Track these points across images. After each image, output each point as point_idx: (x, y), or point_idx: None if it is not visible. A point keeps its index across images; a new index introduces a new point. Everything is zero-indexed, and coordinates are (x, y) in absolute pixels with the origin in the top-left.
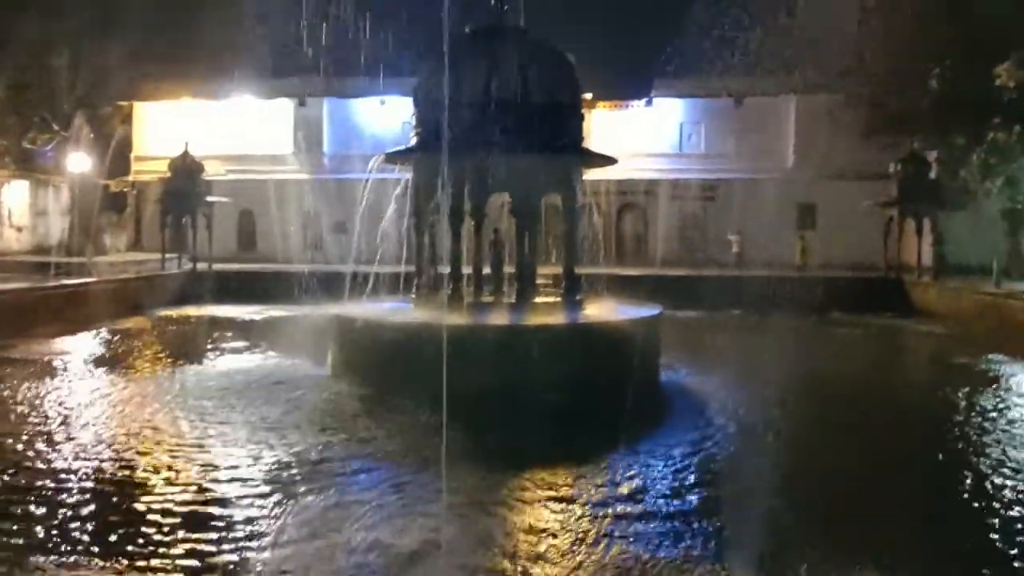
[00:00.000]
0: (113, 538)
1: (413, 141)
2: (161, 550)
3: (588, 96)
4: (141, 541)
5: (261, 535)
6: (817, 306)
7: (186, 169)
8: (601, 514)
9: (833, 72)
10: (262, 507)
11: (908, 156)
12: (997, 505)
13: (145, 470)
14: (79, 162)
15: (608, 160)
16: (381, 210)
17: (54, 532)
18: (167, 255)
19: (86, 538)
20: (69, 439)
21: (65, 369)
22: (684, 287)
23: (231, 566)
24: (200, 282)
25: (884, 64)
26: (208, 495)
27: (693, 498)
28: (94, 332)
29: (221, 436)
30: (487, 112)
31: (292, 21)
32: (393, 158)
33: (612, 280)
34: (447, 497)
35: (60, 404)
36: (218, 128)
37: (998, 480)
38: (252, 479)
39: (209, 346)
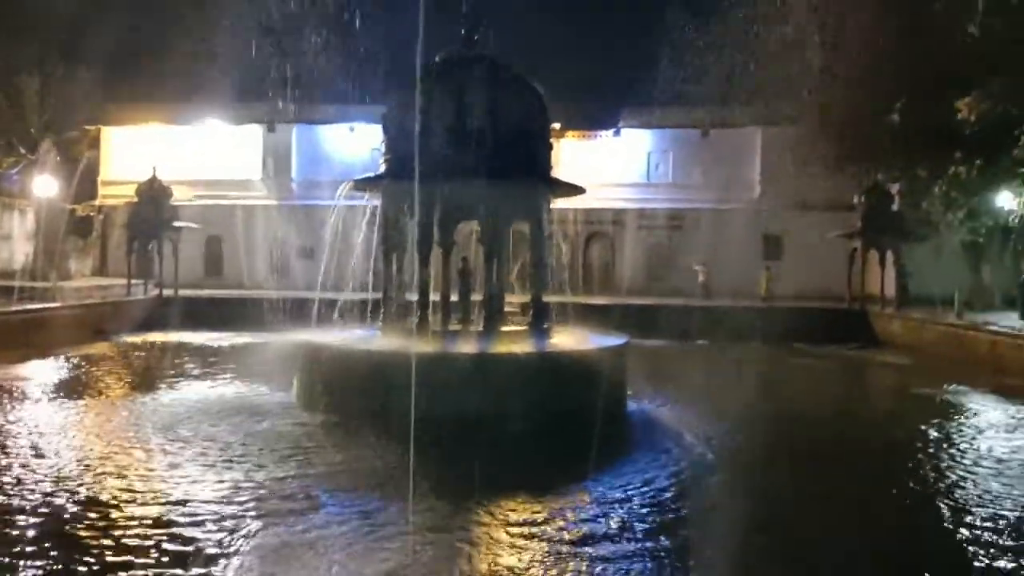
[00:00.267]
0: (60, 570)
1: (382, 168)
2: None
3: (557, 126)
4: None
5: (221, 568)
6: (782, 337)
7: (153, 194)
8: (567, 549)
9: (799, 104)
10: (222, 538)
11: (872, 188)
12: (950, 533)
13: (99, 502)
14: (45, 186)
15: (576, 189)
16: (349, 237)
17: None
18: (133, 281)
19: (31, 572)
20: (23, 467)
21: (24, 395)
22: (651, 316)
23: None
24: (166, 308)
25: (848, 97)
26: (167, 527)
27: (657, 528)
28: (57, 358)
29: (182, 465)
30: (456, 140)
31: (262, 47)
32: (362, 185)
33: (579, 309)
34: (413, 527)
35: (14, 432)
36: (187, 153)
37: (959, 510)
38: (213, 509)
39: (173, 373)
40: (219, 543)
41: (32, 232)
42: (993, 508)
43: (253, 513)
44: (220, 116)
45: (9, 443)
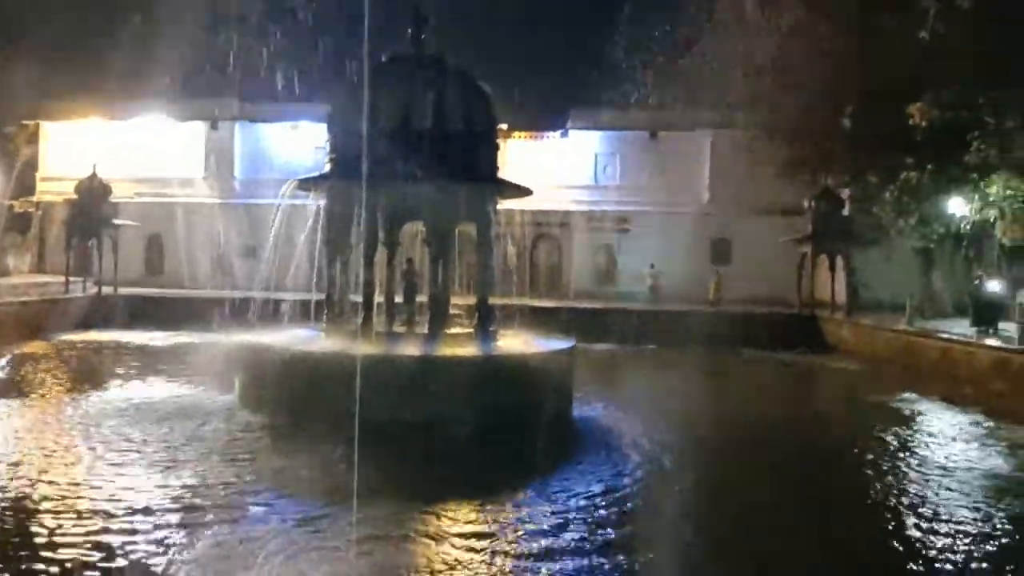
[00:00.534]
0: None
1: (326, 167)
2: None
3: (504, 126)
4: None
5: (160, 573)
6: (731, 341)
7: (93, 191)
8: (511, 550)
9: (748, 108)
10: (161, 542)
11: (821, 193)
12: (900, 538)
13: (34, 502)
14: None
15: (523, 190)
16: (293, 237)
17: None
18: (71, 278)
19: None
20: None
21: None
22: (598, 320)
23: None
24: (105, 306)
25: (799, 101)
26: (105, 530)
27: (602, 533)
28: None
29: (120, 467)
30: (401, 139)
31: (206, 43)
32: (306, 184)
33: (526, 312)
34: (357, 532)
35: None
36: (128, 149)
37: (905, 514)
38: (152, 513)
39: (112, 373)
40: (154, 553)
41: None
42: (936, 517)
43: (191, 520)
44: (162, 112)
45: None
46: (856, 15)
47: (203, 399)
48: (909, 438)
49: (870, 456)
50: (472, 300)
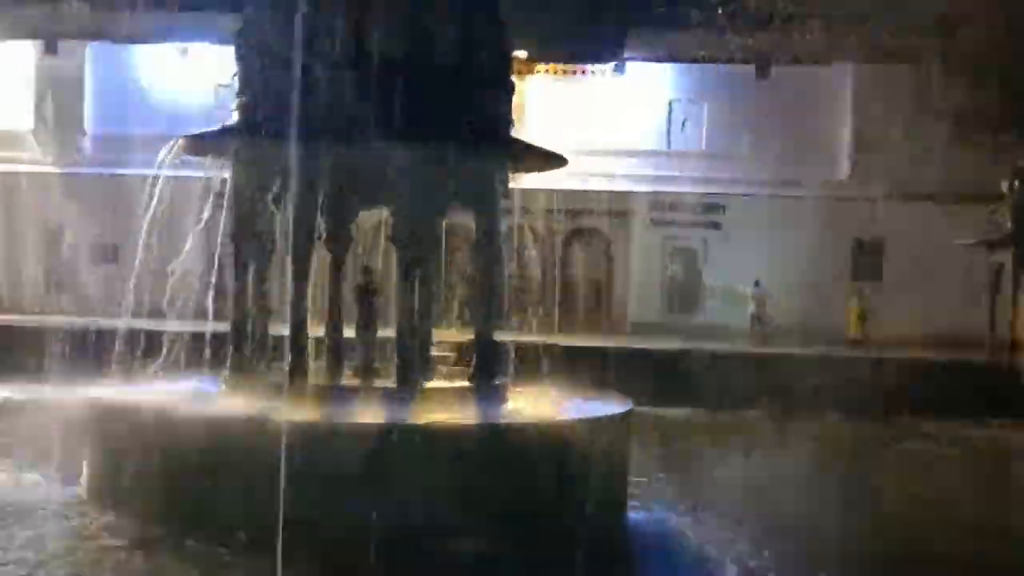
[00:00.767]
0: None
1: (235, 119)
2: None
3: (522, 55)
4: None
5: None
6: (882, 406)
7: None
8: None
9: (918, 30)
10: None
11: None
12: None
13: None
14: None
15: (551, 159)
16: (178, 229)
17: None
18: None
19: None
20: None
21: None
22: (669, 369)
23: None
24: None
25: (995, 24)
26: None
27: None
28: None
29: None
30: (356, 77)
31: None
32: (200, 145)
33: (554, 354)
34: None
35: None
36: None
37: None
38: None
39: None
40: None
41: None
42: None
43: None
44: None
45: None
46: None
47: (32, 491)
48: None
49: None
50: (468, 335)
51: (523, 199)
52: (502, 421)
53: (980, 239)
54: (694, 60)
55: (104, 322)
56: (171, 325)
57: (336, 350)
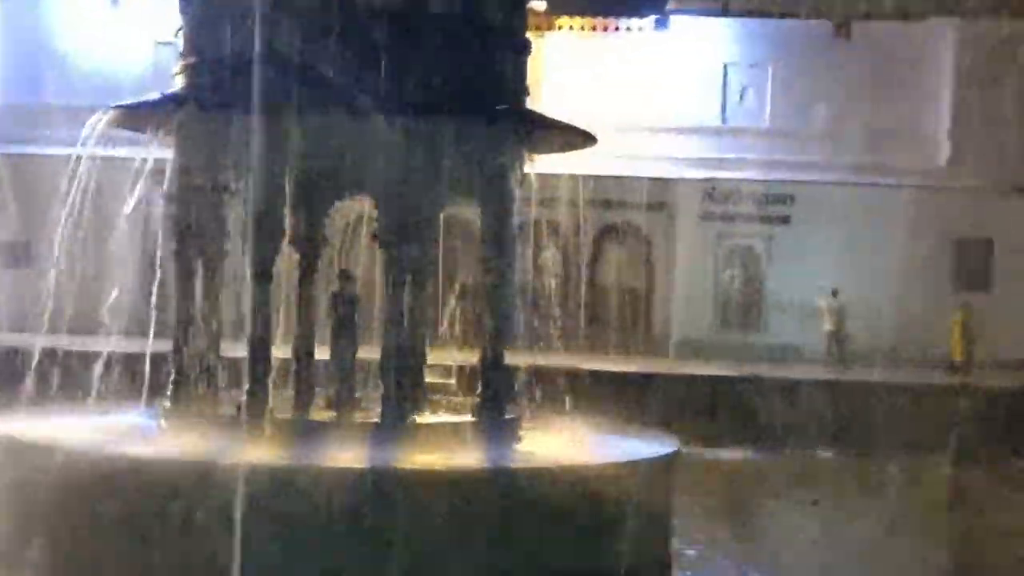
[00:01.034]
0: None
1: (179, 85)
2: None
3: (541, 7)
4: None
5: None
6: (992, 445)
7: None
8: None
9: None
10: None
11: None
12: None
13: None
14: None
15: (577, 138)
16: (106, 222)
17: None
18: None
19: None
20: None
21: None
22: (725, 399)
23: None
24: None
25: None
26: None
27: None
28: None
29: None
30: (334, 32)
31: None
32: (135, 118)
33: (581, 380)
34: None
35: None
36: None
37: None
38: None
39: None
40: None
41: None
42: None
43: None
44: None
45: None
46: None
47: None
48: None
49: None
50: (472, 356)
51: (541, 187)
52: (513, 465)
53: None
54: (755, 13)
55: (12, 339)
56: (99, 343)
57: (305, 375)
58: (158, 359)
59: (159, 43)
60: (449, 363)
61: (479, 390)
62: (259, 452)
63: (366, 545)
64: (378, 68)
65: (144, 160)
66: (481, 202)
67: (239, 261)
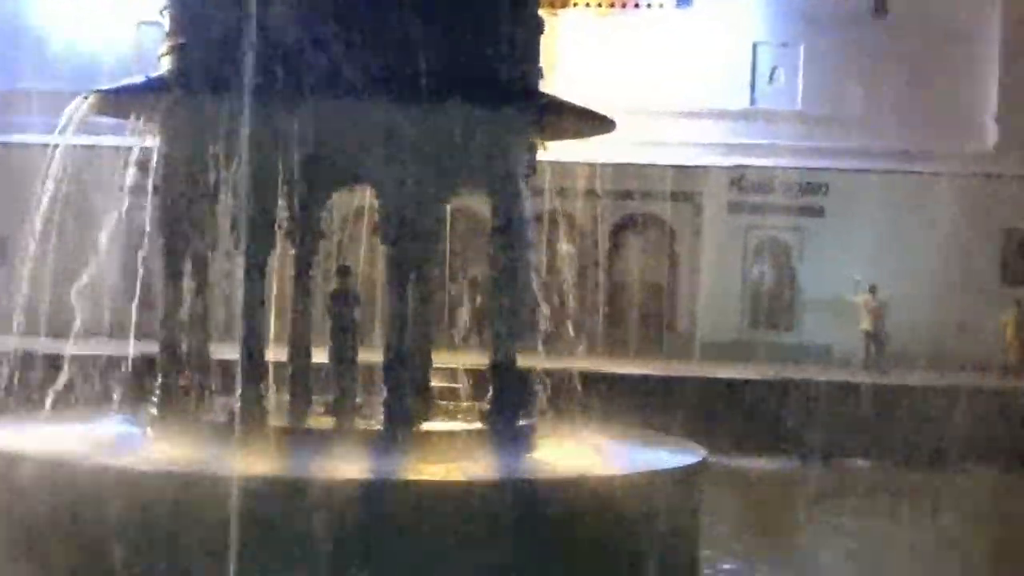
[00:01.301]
0: None
1: (165, 68)
2: None
3: None
4: None
5: None
6: None
7: None
8: None
9: None
10: None
11: None
12: None
13: None
14: None
15: (595, 123)
16: (88, 216)
17: None
18: None
19: None
20: None
21: None
22: (754, 404)
23: None
24: None
25: None
26: None
27: None
28: None
29: None
30: (331, 9)
31: None
32: (117, 103)
33: (598, 384)
34: None
35: None
36: None
37: None
38: None
39: None
40: None
41: None
42: None
43: None
44: None
45: None
46: None
47: None
48: None
49: None
50: (481, 359)
51: (556, 176)
52: (526, 476)
53: None
54: None
55: None
56: (79, 346)
57: (302, 379)
58: (144, 362)
59: (143, 23)
60: (457, 366)
61: (489, 395)
62: (253, 462)
63: (368, 562)
64: (379, 48)
65: (128, 149)
66: (490, 193)
67: (230, 256)
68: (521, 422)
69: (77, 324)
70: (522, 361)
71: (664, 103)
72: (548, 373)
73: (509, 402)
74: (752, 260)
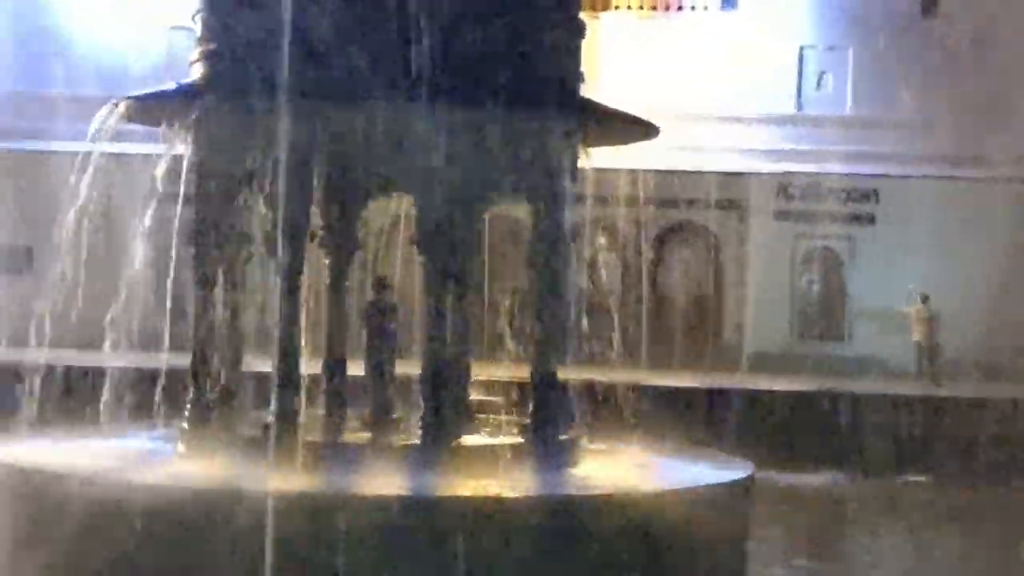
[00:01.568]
0: None
1: (197, 74)
2: None
3: None
4: None
5: None
6: None
7: None
8: None
9: None
10: None
11: None
12: None
13: None
14: None
15: (638, 129)
16: (118, 225)
17: None
18: None
19: None
20: None
21: None
22: (805, 417)
23: None
24: None
25: None
26: None
27: None
28: None
29: None
30: (368, 15)
31: None
32: (149, 110)
33: (644, 397)
34: None
35: None
36: None
37: None
38: None
39: None
40: None
41: None
42: None
43: None
44: None
45: None
46: None
47: None
48: None
49: None
50: (520, 371)
51: (598, 184)
52: (567, 492)
53: None
54: None
55: (12, 353)
56: (108, 359)
57: (337, 393)
58: (175, 376)
59: (174, 28)
60: (497, 378)
61: (530, 409)
62: (287, 478)
63: None
64: (417, 53)
65: (158, 157)
66: (531, 201)
67: (264, 267)
68: (562, 436)
69: (107, 337)
70: (563, 374)
71: (708, 108)
72: (590, 386)
73: (550, 416)
74: (800, 269)
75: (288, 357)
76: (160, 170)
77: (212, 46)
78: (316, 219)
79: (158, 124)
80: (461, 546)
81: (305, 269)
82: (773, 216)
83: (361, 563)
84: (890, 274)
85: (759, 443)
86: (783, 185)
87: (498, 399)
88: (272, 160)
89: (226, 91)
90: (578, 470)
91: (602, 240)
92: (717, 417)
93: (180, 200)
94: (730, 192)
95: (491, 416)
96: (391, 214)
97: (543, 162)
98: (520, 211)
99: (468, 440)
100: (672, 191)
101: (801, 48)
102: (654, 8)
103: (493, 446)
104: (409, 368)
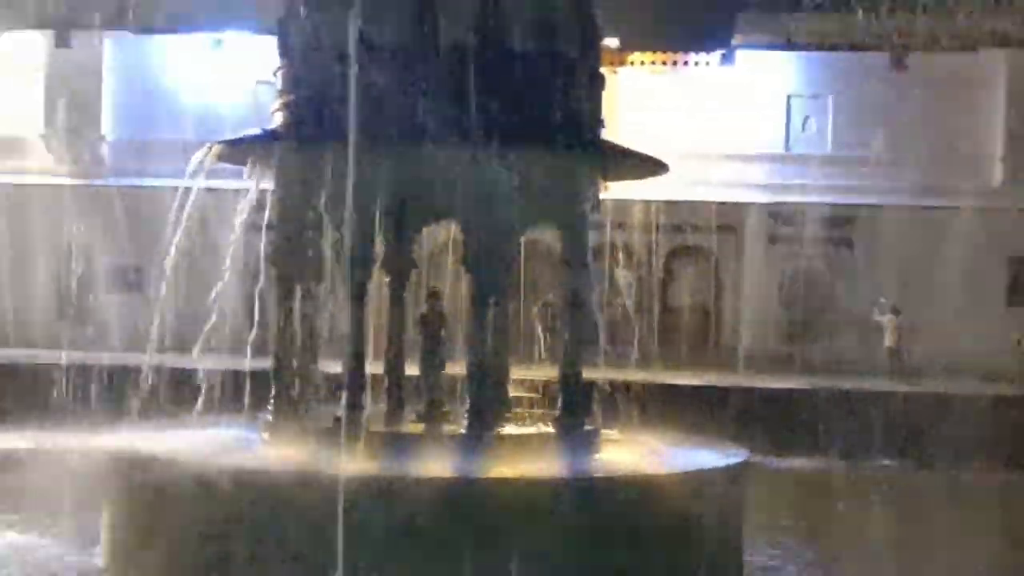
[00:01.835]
0: None
1: (278, 121)
2: None
3: (614, 44)
4: None
5: None
6: None
7: None
8: None
9: None
10: None
11: None
12: None
13: None
14: None
15: (650, 166)
16: (211, 249)
17: None
18: None
19: None
20: None
21: None
22: (792, 411)
23: None
24: None
25: None
26: None
27: None
28: None
29: None
30: (421, 70)
31: None
32: (238, 152)
33: (655, 394)
34: None
35: None
36: None
37: None
38: None
39: None
40: None
41: None
42: None
43: None
44: None
45: None
46: None
47: (44, 556)
48: None
49: None
50: (551, 372)
51: (616, 212)
52: (590, 474)
53: None
54: (816, 48)
55: (126, 358)
56: (205, 362)
57: (397, 390)
58: (260, 377)
59: (259, 82)
60: (531, 378)
61: (560, 402)
62: (355, 463)
63: (457, 552)
64: (463, 103)
65: (246, 191)
66: (560, 227)
67: (334, 284)
68: (586, 427)
69: (203, 343)
70: (587, 373)
71: (710, 148)
72: (610, 384)
73: (576, 410)
74: (788, 285)
75: (356, 360)
76: (248, 203)
77: (290, 97)
78: (379, 243)
79: (245, 164)
80: (503, 520)
81: (369, 286)
82: (765, 240)
83: (418, 534)
84: (865, 289)
85: (752, 432)
86: (774, 213)
87: (533, 395)
88: (341, 195)
89: (302, 136)
90: (600, 456)
91: (620, 260)
92: (717, 410)
93: (264, 228)
94: (728, 219)
95: (527, 409)
96: (442, 239)
97: (570, 194)
98: (550, 236)
99: (507, 430)
100: (679, 218)
101: (788, 96)
102: (664, 63)
103: (528, 435)
104: (457, 369)
